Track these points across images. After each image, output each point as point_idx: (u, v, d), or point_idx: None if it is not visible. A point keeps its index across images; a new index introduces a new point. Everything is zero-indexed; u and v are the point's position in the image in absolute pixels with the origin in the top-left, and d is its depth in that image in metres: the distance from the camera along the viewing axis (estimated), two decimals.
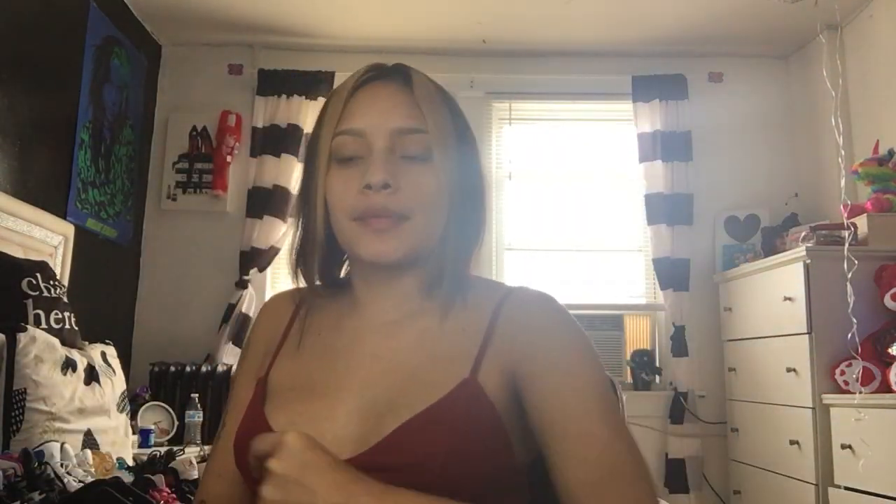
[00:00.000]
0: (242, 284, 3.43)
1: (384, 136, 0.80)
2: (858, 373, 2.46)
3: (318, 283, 0.87)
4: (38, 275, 2.17)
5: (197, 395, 2.91)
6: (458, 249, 0.83)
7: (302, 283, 0.88)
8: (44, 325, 2.08)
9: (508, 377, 0.76)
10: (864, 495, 2.33)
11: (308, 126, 3.49)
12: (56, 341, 2.02)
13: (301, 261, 0.86)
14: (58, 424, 1.93)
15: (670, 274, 3.44)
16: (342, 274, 0.92)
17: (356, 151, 0.80)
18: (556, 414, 0.73)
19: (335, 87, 0.87)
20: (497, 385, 0.75)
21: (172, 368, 3.09)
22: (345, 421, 0.75)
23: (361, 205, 0.78)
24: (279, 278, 3.63)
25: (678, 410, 3.36)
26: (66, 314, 2.23)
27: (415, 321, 0.82)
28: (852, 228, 2.71)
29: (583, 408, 0.73)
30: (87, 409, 2.07)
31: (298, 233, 0.87)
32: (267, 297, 3.49)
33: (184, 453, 2.25)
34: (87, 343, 2.35)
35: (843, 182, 2.76)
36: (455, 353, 0.77)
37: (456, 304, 0.82)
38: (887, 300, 2.53)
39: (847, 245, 2.57)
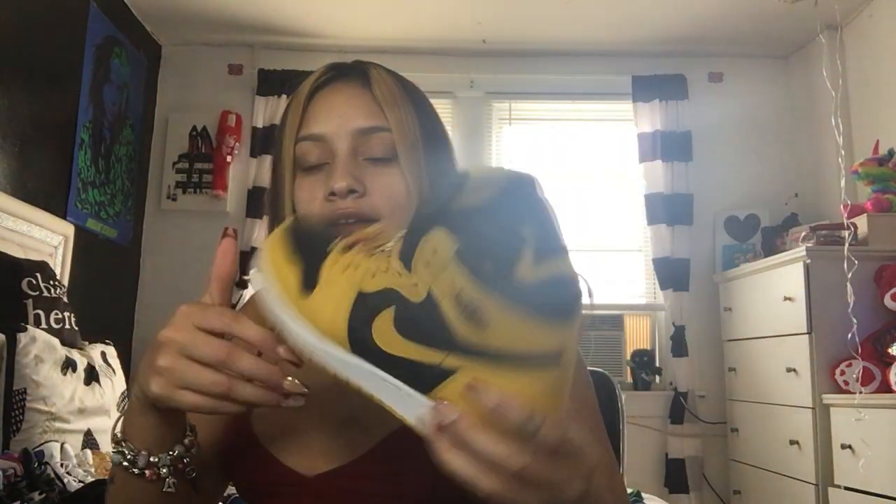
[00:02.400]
0: (243, 285, 3.42)
1: (346, 139, 0.76)
2: (858, 373, 2.46)
3: None
4: (38, 275, 2.17)
5: None
6: None
7: None
8: (44, 325, 2.08)
9: None
10: (864, 495, 2.33)
11: None
12: (56, 341, 2.02)
13: None
14: (58, 424, 1.93)
15: (670, 274, 3.44)
16: None
17: (320, 157, 0.77)
18: None
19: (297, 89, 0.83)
20: None
21: None
22: (332, 431, 0.74)
23: (329, 212, 0.75)
24: None
25: (678, 410, 3.36)
26: (66, 314, 2.23)
27: None
28: (852, 228, 2.71)
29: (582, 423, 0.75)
30: (87, 409, 2.07)
31: None
32: None
33: None
34: (87, 343, 2.35)
35: (843, 182, 2.76)
36: None
37: None
38: (887, 300, 2.53)
39: (847, 245, 2.57)
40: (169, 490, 0.64)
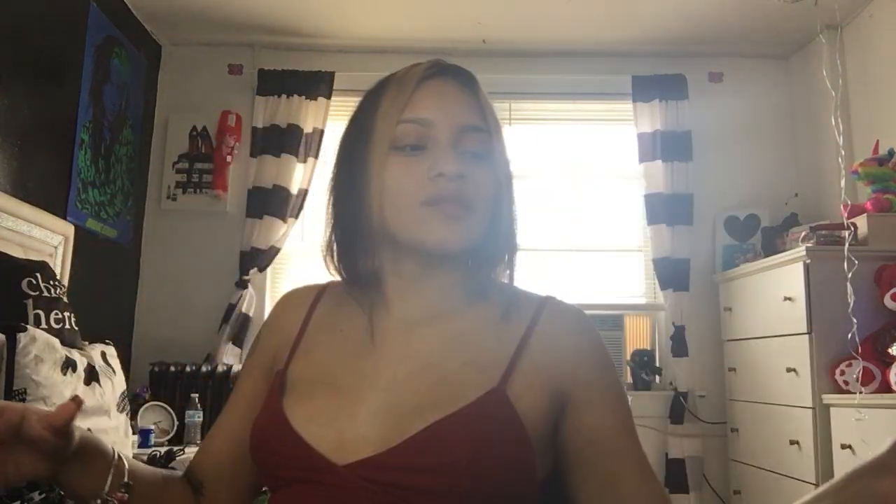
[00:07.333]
0: (242, 284, 3.43)
1: (450, 130, 0.81)
2: (858, 373, 2.46)
3: (345, 275, 0.86)
4: (38, 275, 2.17)
5: (197, 395, 2.90)
6: (500, 251, 0.85)
7: (335, 276, 0.87)
8: (44, 325, 2.08)
9: (550, 394, 0.77)
10: None
11: (308, 126, 3.49)
12: (56, 341, 2.02)
13: (343, 250, 0.85)
14: None
15: (670, 274, 3.44)
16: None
17: (419, 140, 0.80)
18: (607, 433, 0.78)
19: (391, 76, 0.86)
20: (528, 398, 0.75)
21: (172, 368, 3.08)
22: (366, 420, 0.73)
23: (433, 191, 0.78)
24: (279, 278, 3.62)
25: (678, 410, 3.36)
26: (66, 314, 2.23)
27: (447, 323, 0.82)
28: (852, 228, 2.71)
29: (624, 427, 0.80)
30: (87, 409, 2.07)
31: (335, 223, 0.85)
32: (267, 298, 3.52)
33: (184, 453, 2.26)
34: (87, 343, 2.35)
35: (843, 182, 2.76)
36: (487, 361, 0.77)
37: (493, 310, 0.82)
38: (887, 300, 2.53)
39: (847, 245, 2.57)
40: None
